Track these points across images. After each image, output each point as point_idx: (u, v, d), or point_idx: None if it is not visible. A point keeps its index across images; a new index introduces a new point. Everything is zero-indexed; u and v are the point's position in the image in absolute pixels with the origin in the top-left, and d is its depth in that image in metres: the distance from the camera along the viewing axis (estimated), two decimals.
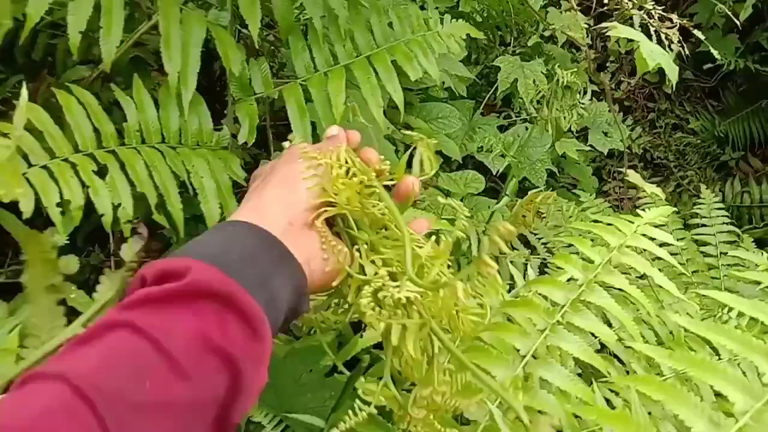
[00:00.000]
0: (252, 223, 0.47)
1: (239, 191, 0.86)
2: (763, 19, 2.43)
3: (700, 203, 1.65)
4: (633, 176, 0.88)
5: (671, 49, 1.36)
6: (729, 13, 2.23)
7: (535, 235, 1.45)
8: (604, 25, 1.05)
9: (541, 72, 1.92)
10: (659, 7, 1.28)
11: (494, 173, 1.85)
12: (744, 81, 2.61)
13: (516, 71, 1.88)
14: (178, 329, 0.39)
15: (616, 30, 0.96)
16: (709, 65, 2.55)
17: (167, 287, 0.40)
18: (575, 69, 2.16)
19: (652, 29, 1.31)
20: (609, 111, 2.12)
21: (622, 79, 2.83)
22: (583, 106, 2.14)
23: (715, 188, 2.66)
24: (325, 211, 0.49)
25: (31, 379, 0.36)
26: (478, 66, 2.01)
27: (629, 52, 2.79)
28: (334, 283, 0.50)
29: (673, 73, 1.08)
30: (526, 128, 1.89)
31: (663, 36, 1.30)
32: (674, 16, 1.27)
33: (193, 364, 0.38)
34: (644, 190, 2.87)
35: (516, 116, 2.15)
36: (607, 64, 2.83)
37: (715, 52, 1.57)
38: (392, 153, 1.14)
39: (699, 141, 2.79)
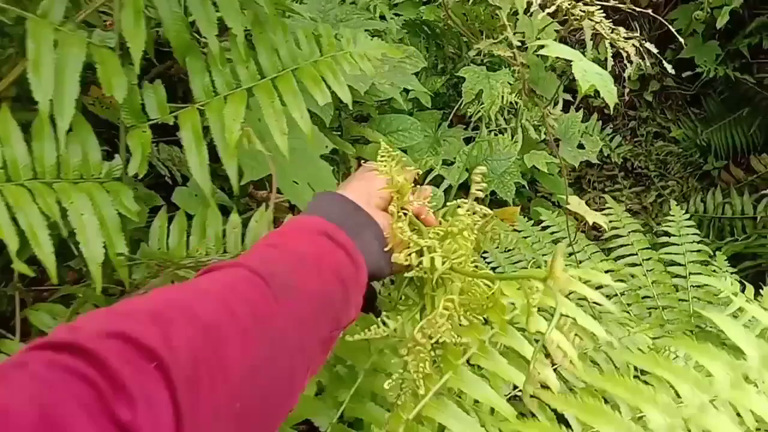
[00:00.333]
0: (342, 194, 0.64)
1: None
2: (744, 25, 2.36)
3: (669, 221, 1.58)
4: (573, 203, 0.81)
5: (630, 62, 1.29)
6: (705, 20, 2.17)
7: (485, 258, 1.38)
8: (539, 42, 0.98)
9: (509, 82, 1.85)
10: (607, 21, 1.21)
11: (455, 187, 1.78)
12: (725, 89, 2.54)
13: (481, 82, 1.81)
14: (309, 252, 0.57)
15: (548, 48, 0.89)
16: (689, 73, 2.48)
17: (295, 224, 0.60)
18: (540, 78, 2.09)
19: (607, 43, 1.24)
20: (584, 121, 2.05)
21: None
22: (554, 117, 2.08)
23: (697, 199, 2.59)
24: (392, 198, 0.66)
25: (216, 268, 0.52)
26: (444, 76, 1.94)
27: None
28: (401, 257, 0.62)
29: (609, 94, 1.01)
30: (490, 142, 1.81)
31: (621, 50, 1.23)
32: (622, 29, 1.20)
33: (319, 272, 0.55)
34: (623, 200, 2.75)
35: (486, 127, 2.08)
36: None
37: (689, 58, 1.49)
38: (328, 172, 1.07)
39: (681, 150, 2.72)
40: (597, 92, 2.53)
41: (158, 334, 0.39)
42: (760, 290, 1.27)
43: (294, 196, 0.98)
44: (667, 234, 1.53)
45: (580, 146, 2.02)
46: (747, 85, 2.37)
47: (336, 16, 1.54)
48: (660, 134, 2.78)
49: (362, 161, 1.25)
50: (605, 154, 2.68)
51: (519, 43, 1.83)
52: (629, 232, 1.48)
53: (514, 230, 1.65)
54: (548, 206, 2.47)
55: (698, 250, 1.51)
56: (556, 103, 2.04)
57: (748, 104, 2.51)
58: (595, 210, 2.85)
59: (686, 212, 2.62)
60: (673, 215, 1.58)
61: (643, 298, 1.39)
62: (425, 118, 1.93)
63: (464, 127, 2.00)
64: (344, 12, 1.59)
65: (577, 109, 2.68)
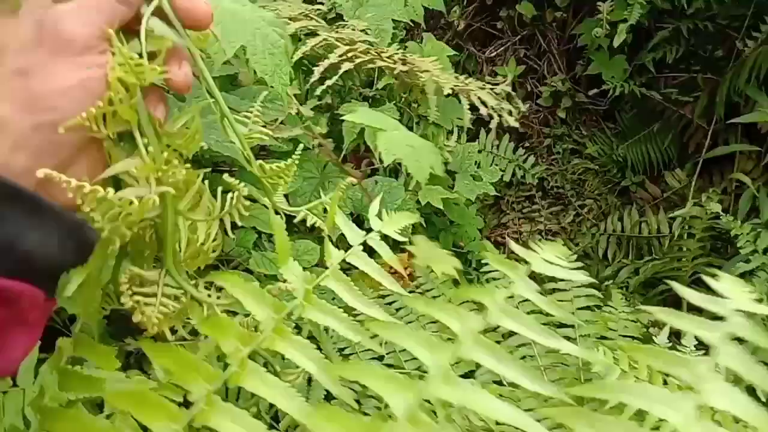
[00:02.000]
0: None
1: None
2: (651, 39, 2.30)
3: (558, 263, 1.47)
4: (420, 246, 0.68)
5: (492, 113, 1.19)
6: (606, 35, 2.09)
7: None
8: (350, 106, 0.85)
9: (394, 118, 1.73)
10: (463, 76, 1.11)
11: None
12: (636, 103, 2.47)
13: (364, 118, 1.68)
14: None
15: (356, 115, 0.77)
16: (595, 90, 2.41)
17: None
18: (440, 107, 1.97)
19: (474, 97, 1.13)
20: (480, 152, 1.94)
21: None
22: (449, 148, 1.96)
23: (614, 218, 2.53)
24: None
25: None
26: (328, 113, 1.80)
27: (519, 76, 2.64)
28: None
29: (418, 171, 0.89)
30: (376, 182, 1.69)
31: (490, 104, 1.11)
32: (478, 83, 1.10)
33: None
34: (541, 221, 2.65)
35: (380, 162, 1.95)
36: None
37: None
38: None
39: (597, 166, 2.65)
40: (509, 112, 2.40)
41: None
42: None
43: None
44: (554, 279, 1.43)
45: (479, 178, 1.91)
46: (653, 100, 2.31)
47: None
48: (576, 151, 2.71)
49: None
50: (520, 176, 2.59)
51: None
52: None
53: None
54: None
55: (588, 295, 1.41)
56: (451, 134, 1.92)
57: (659, 119, 2.45)
58: (514, 233, 2.70)
59: (604, 231, 2.59)
60: (560, 256, 1.47)
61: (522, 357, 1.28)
62: (311, 158, 1.80)
63: (352, 165, 1.87)
64: None
65: (488, 131, 2.59)
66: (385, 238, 0.56)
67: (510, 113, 1.27)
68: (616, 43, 1.96)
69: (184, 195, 0.44)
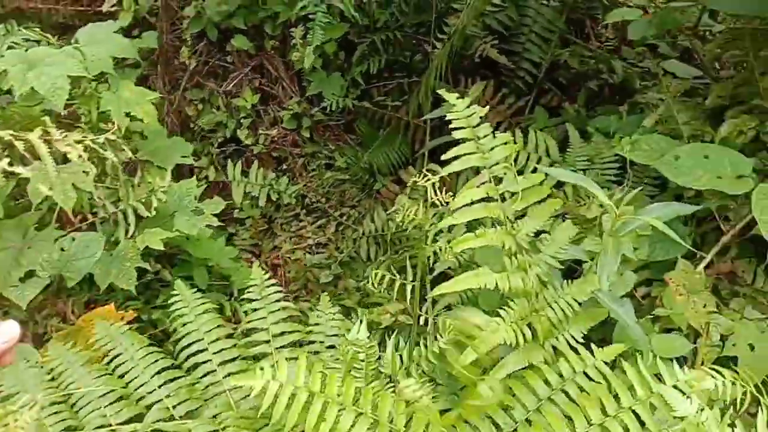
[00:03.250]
0: None
1: None
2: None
3: (251, 285, 1.54)
4: None
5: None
6: (301, 59, 2.23)
7: None
8: None
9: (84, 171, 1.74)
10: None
11: None
12: (365, 115, 2.67)
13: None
14: None
15: None
16: (316, 109, 2.57)
17: None
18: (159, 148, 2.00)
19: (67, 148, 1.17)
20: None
21: (260, 132, 2.78)
22: (164, 189, 2.00)
23: (368, 219, 2.70)
24: None
25: None
26: None
27: (255, 105, 2.74)
28: None
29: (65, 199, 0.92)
30: (73, 239, 1.69)
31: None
32: (76, 135, 1.14)
33: None
34: (309, 236, 2.69)
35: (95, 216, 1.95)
36: (241, 120, 2.75)
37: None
38: None
39: (349, 176, 2.82)
40: (256, 139, 2.45)
41: None
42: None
43: None
44: (249, 300, 1.51)
45: (200, 212, 1.97)
46: (374, 109, 2.50)
47: None
48: (330, 165, 2.86)
49: None
50: (274, 198, 2.69)
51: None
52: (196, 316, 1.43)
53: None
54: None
55: (282, 308, 1.50)
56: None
57: (388, 125, 2.66)
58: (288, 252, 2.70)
59: (362, 234, 2.75)
60: (254, 278, 1.55)
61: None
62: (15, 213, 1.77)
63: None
64: None
65: (235, 163, 2.67)
66: None
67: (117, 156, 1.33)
68: (306, 66, 2.11)
69: None
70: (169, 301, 1.47)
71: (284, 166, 2.86)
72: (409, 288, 1.42)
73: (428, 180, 1.32)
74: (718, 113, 1.70)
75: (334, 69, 2.55)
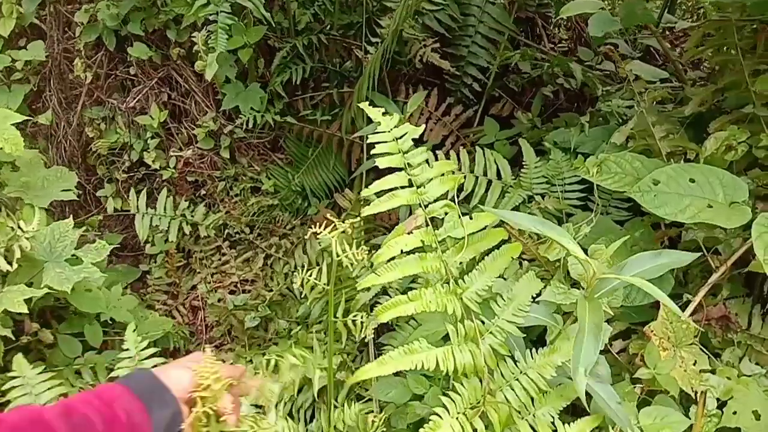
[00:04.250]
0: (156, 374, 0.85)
1: None
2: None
3: None
4: None
5: None
6: (204, 67, 1.88)
7: None
8: None
9: None
10: None
11: None
12: (291, 131, 2.33)
13: None
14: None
15: None
16: (231, 126, 2.22)
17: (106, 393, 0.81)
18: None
19: None
20: None
21: (172, 153, 2.40)
22: (30, 235, 1.63)
23: (300, 251, 2.36)
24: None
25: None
26: None
27: (164, 123, 2.37)
28: None
29: None
30: None
31: None
32: None
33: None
34: (233, 272, 2.33)
35: None
36: (148, 141, 2.37)
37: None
38: None
39: (279, 200, 2.46)
40: (167, 162, 2.03)
41: None
42: None
43: None
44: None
45: (77, 262, 1.59)
46: (301, 125, 2.16)
47: None
48: (257, 188, 2.50)
49: None
50: (187, 231, 2.31)
51: None
52: None
53: None
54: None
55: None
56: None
57: (318, 142, 2.32)
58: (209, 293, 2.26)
59: (295, 267, 2.41)
60: (127, 343, 1.20)
61: None
62: None
63: None
64: None
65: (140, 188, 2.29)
66: None
67: None
68: (208, 76, 1.76)
69: None
70: (2, 387, 1.11)
71: (202, 192, 2.49)
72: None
73: (333, 229, 0.99)
74: (698, 124, 1.42)
75: (253, 79, 2.19)
